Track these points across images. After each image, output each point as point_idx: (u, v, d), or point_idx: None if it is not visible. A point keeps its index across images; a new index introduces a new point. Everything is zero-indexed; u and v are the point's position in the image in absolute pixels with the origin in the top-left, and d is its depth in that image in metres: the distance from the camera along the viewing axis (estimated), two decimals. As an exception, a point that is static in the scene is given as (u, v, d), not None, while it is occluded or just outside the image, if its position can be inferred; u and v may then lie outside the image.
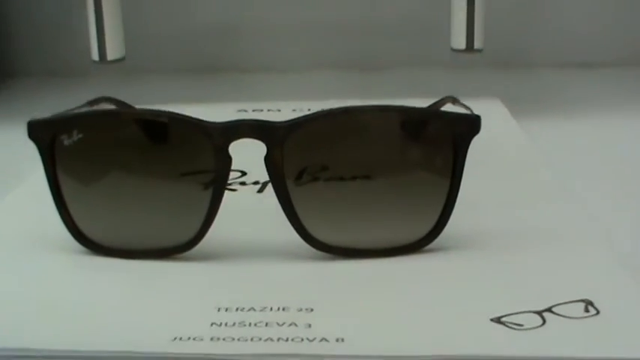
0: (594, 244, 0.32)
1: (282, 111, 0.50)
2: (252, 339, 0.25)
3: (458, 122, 0.31)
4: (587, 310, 0.27)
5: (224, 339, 0.25)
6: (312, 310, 0.27)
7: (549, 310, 0.27)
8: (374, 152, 0.31)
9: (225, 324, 0.26)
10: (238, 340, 0.25)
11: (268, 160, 0.30)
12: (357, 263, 0.31)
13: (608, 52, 0.67)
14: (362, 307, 0.28)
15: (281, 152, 0.30)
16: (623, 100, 0.57)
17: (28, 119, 0.31)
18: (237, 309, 0.27)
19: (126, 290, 0.29)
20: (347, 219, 0.31)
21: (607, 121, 0.52)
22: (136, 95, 0.46)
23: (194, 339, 0.25)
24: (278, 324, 0.26)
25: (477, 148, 0.31)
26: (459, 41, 0.52)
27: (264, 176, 0.38)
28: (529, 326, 0.26)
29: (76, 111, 0.33)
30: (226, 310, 0.27)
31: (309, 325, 0.26)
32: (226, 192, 0.31)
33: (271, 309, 0.27)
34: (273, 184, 0.31)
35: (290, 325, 0.26)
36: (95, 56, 0.52)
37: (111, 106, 0.39)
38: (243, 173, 0.40)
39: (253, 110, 0.50)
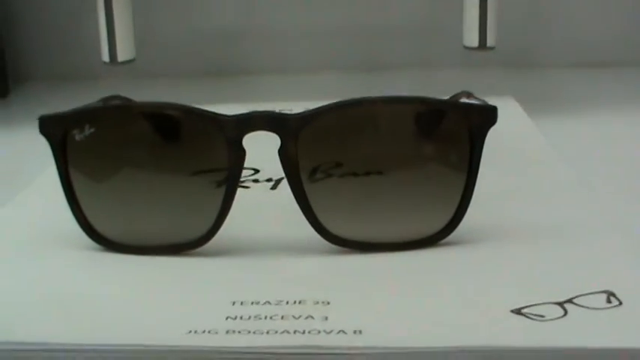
0: (614, 236, 0.31)
1: (294, 111, 0.49)
2: (268, 332, 0.25)
3: (474, 112, 0.30)
4: (609, 301, 0.26)
5: (240, 332, 0.25)
6: (328, 303, 0.27)
7: (570, 301, 0.26)
8: (389, 144, 0.31)
9: (241, 317, 0.26)
10: (254, 332, 0.25)
11: (282, 153, 0.30)
12: (373, 257, 0.30)
13: (620, 51, 0.67)
14: (379, 300, 0.27)
15: (295, 145, 0.30)
16: (636, 99, 0.56)
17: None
18: (252, 302, 0.27)
19: (139, 285, 0.29)
20: (362, 212, 0.31)
21: (619, 120, 0.52)
22: (145, 99, 0.46)
23: (209, 332, 0.25)
24: (294, 317, 0.26)
25: (492, 144, 0.31)
26: (472, 39, 0.51)
27: (277, 174, 0.38)
28: (550, 317, 0.25)
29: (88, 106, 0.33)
30: (241, 303, 0.27)
31: (326, 318, 0.26)
32: (239, 189, 0.31)
33: (287, 302, 0.27)
34: (287, 177, 0.30)
35: (307, 317, 0.26)
36: (106, 57, 0.52)
37: (122, 104, 0.39)
38: (256, 171, 0.39)
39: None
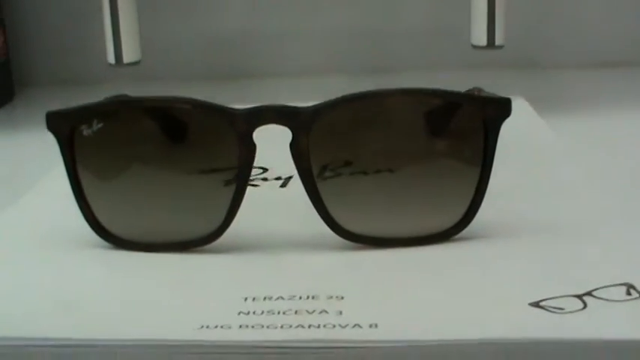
0: (632, 230, 0.31)
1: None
2: (282, 326, 0.24)
3: (488, 104, 0.30)
4: (629, 294, 0.26)
5: (253, 327, 0.24)
6: (342, 297, 0.26)
7: (590, 293, 0.26)
8: (402, 137, 0.30)
9: (254, 312, 0.25)
10: (267, 327, 0.24)
11: (294, 147, 0.29)
12: (387, 252, 0.30)
13: (629, 51, 0.66)
14: (394, 294, 0.26)
15: (307, 138, 0.29)
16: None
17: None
18: (264, 298, 0.26)
19: (149, 282, 0.28)
20: (375, 206, 0.30)
21: (629, 119, 0.51)
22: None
23: (221, 327, 0.24)
24: (308, 312, 0.25)
25: (504, 141, 0.30)
26: (480, 37, 0.51)
27: (286, 172, 0.38)
28: (570, 310, 0.25)
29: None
30: (253, 299, 0.26)
31: (340, 313, 0.25)
32: (248, 187, 0.30)
33: (300, 297, 0.26)
34: (298, 171, 0.30)
35: (321, 312, 0.25)
36: (111, 59, 0.52)
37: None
38: (265, 170, 0.39)
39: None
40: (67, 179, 0.31)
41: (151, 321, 0.25)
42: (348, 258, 0.29)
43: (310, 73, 0.66)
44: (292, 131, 0.29)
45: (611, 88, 0.61)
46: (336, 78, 0.66)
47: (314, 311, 0.25)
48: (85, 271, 0.29)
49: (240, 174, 0.30)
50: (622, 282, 0.26)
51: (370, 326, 0.24)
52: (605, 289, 0.26)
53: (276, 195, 0.36)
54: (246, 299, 0.26)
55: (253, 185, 0.37)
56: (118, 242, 0.31)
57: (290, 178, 0.37)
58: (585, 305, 0.25)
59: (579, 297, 0.26)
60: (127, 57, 0.52)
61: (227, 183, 0.30)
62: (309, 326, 0.24)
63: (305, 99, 0.54)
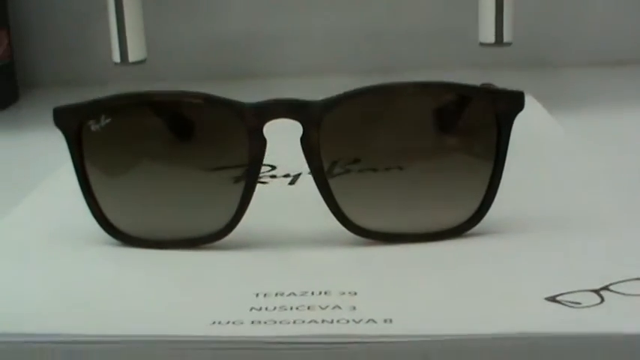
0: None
1: None
2: (294, 322, 0.24)
3: (501, 98, 0.29)
4: (646, 288, 0.25)
5: (265, 322, 0.24)
6: (355, 293, 0.26)
7: (607, 288, 0.25)
8: (414, 131, 0.30)
9: (266, 308, 0.25)
10: (280, 323, 0.24)
11: (304, 141, 0.29)
12: (399, 247, 0.29)
13: (637, 49, 0.66)
14: (408, 289, 0.26)
15: (317, 132, 0.29)
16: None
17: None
18: (276, 294, 0.26)
19: (160, 278, 0.28)
20: (386, 202, 0.30)
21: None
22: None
23: (233, 323, 0.24)
24: (321, 307, 0.25)
25: (514, 137, 0.30)
26: (488, 35, 0.50)
27: (294, 169, 0.37)
28: (587, 304, 0.24)
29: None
30: (265, 295, 0.26)
31: (354, 308, 0.25)
32: (257, 184, 0.30)
33: (312, 293, 0.26)
34: (309, 166, 0.29)
35: (334, 308, 0.25)
36: (116, 58, 0.51)
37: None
38: (273, 167, 0.38)
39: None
40: (74, 176, 0.30)
41: (162, 317, 0.25)
42: (359, 254, 0.29)
43: (317, 74, 0.66)
44: (303, 125, 0.29)
45: (620, 85, 0.60)
46: (340, 78, 0.65)
47: (327, 307, 0.25)
48: (94, 269, 0.29)
49: (250, 169, 0.29)
50: (638, 276, 0.26)
51: (385, 321, 0.24)
52: (621, 283, 0.26)
53: (285, 192, 0.36)
54: (257, 295, 0.26)
55: (262, 182, 0.37)
56: (126, 239, 0.30)
57: (299, 175, 0.37)
58: (603, 299, 0.25)
59: (596, 291, 0.25)
60: (133, 55, 0.51)
61: (237, 179, 0.30)
62: (323, 321, 0.24)
63: (310, 99, 0.54)
